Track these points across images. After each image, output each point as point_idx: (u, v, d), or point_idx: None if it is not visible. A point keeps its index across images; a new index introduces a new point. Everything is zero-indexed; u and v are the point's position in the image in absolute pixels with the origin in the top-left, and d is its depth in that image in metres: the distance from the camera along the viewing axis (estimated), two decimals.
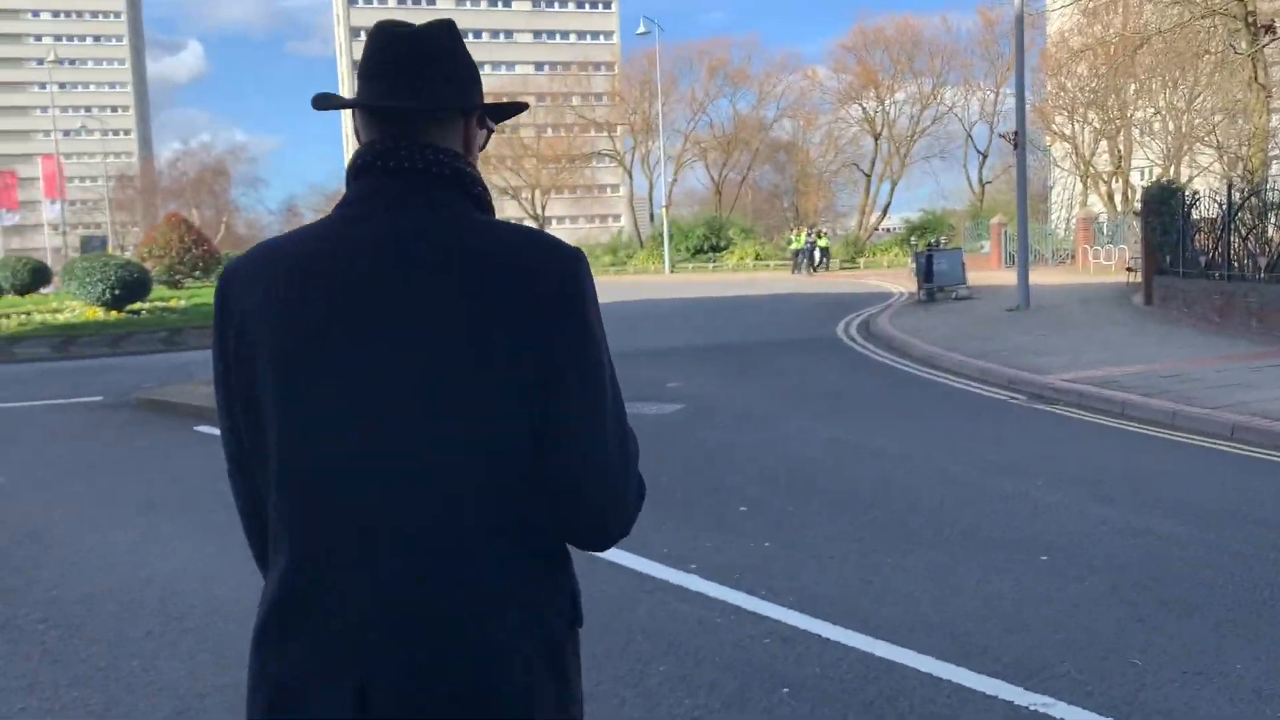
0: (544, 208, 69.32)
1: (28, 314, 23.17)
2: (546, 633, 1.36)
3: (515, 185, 67.93)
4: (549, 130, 70.32)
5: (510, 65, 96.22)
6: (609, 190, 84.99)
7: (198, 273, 30.16)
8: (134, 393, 11.89)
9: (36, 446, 9.32)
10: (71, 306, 23.59)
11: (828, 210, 67.30)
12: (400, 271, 1.31)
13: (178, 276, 29.67)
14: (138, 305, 23.28)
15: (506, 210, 75.02)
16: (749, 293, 30.91)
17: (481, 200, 1.43)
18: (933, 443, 8.06)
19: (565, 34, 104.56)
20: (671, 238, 55.23)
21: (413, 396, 1.30)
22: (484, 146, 1.51)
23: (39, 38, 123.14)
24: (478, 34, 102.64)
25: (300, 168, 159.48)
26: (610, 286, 40.45)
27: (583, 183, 80.00)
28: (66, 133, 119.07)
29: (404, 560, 1.30)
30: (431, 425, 1.30)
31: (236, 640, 4.07)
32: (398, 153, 1.38)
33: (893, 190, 63.77)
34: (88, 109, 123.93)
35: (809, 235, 41.98)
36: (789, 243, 44.47)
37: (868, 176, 63.42)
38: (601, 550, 1.44)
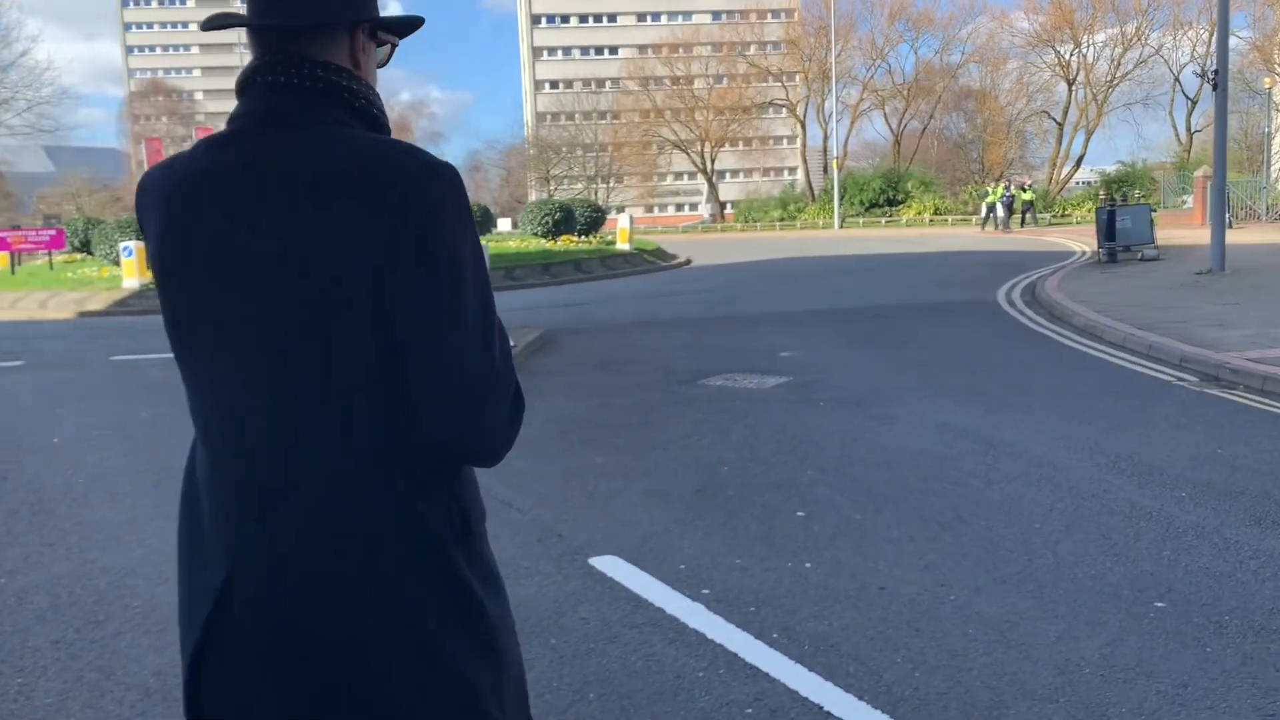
0: (714, 160, 68.04)
1: None
2: (431, 547, 1.38)
3: (685, 138, 66.91)
4: (723, 80, 68.71)
5: (687, 15, 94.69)
6: (784, 142, 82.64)
7: None
8: None
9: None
10: None
11: (1018, 162, 63.22)
12: (257, 195, 1.33)
13: None
14: None
15: (675, 162, 74.28)
16: (916, 250, 29.09)
17: (366, 113, 1.44)
18: (1064, 434, 6.80)
19: None
20: (845, 191, 53.22)
21: (276, 320, 1.33)
22: (385, 62, 1.55)
23: None
24: None
25: (488, 122, 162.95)
26: (771, 242, 39.27)
27: (755, 134, 78.16)
28: None
29: (287, 497, 1.35)
30: (294, 353, 1.33)
31: None
32: (274, 68, 1.40)
33: (1088, 140, 59.21)
34: None
35: (1007, 188, 38.85)
36: (984, 195, 41.58)
37: (1060, 125, 59.13)
38: (475, 464, 1.45)
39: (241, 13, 1.44)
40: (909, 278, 19.96)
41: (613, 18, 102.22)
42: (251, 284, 1.32)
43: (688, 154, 67.52)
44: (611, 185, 78.46)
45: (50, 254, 26.03)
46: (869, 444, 6.72)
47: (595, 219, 30.25)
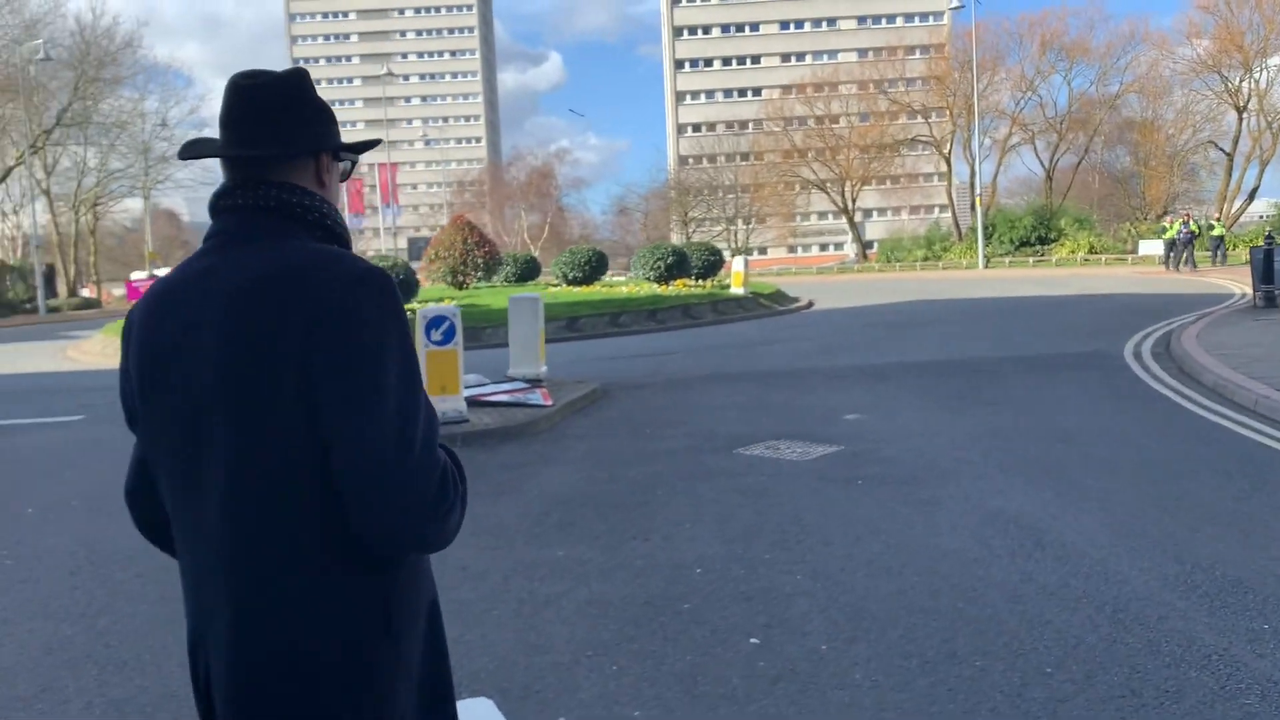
0: (855, 199, 66.33)
1: None
2: (351, 639, 1.49)
3: (826, 178, 65.53)
4: (866, 118, 67.12)
5: (832, 54, 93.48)
6: (931, 179, 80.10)
7: (479, 274, 30.78)
8: None
9: None
10: None
11: (1184, 196, 59.18)
12: (213, 305, 1.49)
13: (461, 278, 30.41)
14: (410, 305, 23.87)
15: (817, 202, 72.84)
16: (1057, 292, 27.08)
17: (320, 225, 1.60)
18: (1137, 529, 5.55)
19: (891, 18, 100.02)
20: (993, 229, 50.83)
21: (221, 422, 1.48)
22: (347, 176, 1.74)
23: (405, 55, 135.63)
24: (799, 24, 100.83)
25: (638, 167, 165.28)
26: (906, 284, 37.51)
27: (900, 172, 76.03)
28: (428, 142, 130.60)
29: (230, 578, 1.51)
30: (234, 448, 1.47)
31: None
32: (234, 192, 1.60)
33: (1261, 172, 54.88)
34: (444, 119, 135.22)
35: (1185, 223, 35.84)
36: (1162, 231, 38.64)
37: (1229, 156, 55.01)
38: (405, 552, 1.53)
39: (213, 140, 1.67)
40: (1034, 324, 18.31)
41: (756, 59, 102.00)
42: (200, 379, 1.49)
43: (828, 193, 66.05)
44: (751, 226, 77.67)
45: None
46: (890, 539, 5.61)
47: (712, 262, 29.42)
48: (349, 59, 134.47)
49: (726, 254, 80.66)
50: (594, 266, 29.14)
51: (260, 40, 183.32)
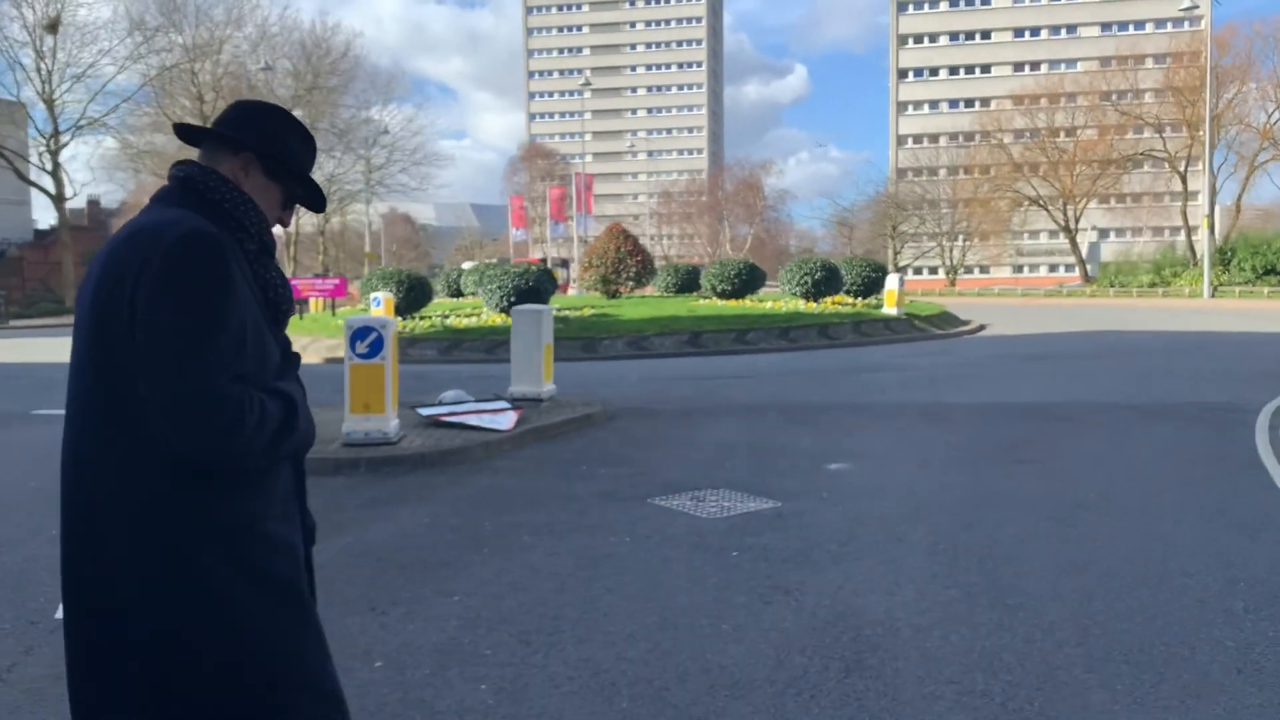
0: (1078, 218, 61.47)
1: (444, 316, 24.51)
2: (165, 531, 1.75)
3: (1047, 194, 61.11)
4: (1089, 132, 62.14)
5: (1071, 63, 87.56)
6: (1164, 199, 73.35)
7: (631, 281, 30.17)
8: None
9: None
10: (480, 311, 24.58)
11: None
12: (100, 255, 1.86)
13: (613, 286, 29.91)
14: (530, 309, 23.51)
15: (1034, 221, 68.10)
16: (1268, 328, 23.65)
17: (216, 206, 1.91)
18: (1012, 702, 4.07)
19: (1140, 23, 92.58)
20: (1233, 254, 45.80)
21: (80, 353, 1.83)
22: (286, 206, 2.08)
23: (633, 69, 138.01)
24: (1034, 31, 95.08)
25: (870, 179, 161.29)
26: (1109, 311, 34.04)
27: (1134, 190, 69.97)
28: (650, 154, 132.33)
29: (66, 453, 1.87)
30: (82, 379, 1.82)
31: None
32: (174, 168, 1.99)
33: None
34: (667, 131, 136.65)
35: None
36: None
37: None
38: (199, 466, 1.76)
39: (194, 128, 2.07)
40: (1197, 365, 15.75)
41: (986, 69, 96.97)
42: (80, 315, 1.85)
43: (1048, 211, 61.58)
44: (966, 243, 73.70)
45: (334, 301, 27.80)
46: (662, 644, 4.37)
47: (872, 279, 27.50)
48: (579, 71, 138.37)
49: (942, 272, 77.17)
50: (745, 280, 27.87)
51: (513, 54, 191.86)
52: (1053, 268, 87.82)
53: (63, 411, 1.91)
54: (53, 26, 41.46)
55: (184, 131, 2.03)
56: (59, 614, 1.84)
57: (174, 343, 1.72)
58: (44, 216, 58.59)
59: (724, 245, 78.69)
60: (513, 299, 22.71)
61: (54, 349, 21.98)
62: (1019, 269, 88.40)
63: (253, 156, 1.97)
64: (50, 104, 42.39)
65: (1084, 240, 67.67)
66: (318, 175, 40.34)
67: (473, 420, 8.99)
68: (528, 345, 10.60)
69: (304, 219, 58.85)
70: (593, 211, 57.03)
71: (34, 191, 44.48)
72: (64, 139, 42.73)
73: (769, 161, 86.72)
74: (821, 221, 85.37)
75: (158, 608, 1.75)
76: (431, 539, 6.05)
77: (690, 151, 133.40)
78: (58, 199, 42.48)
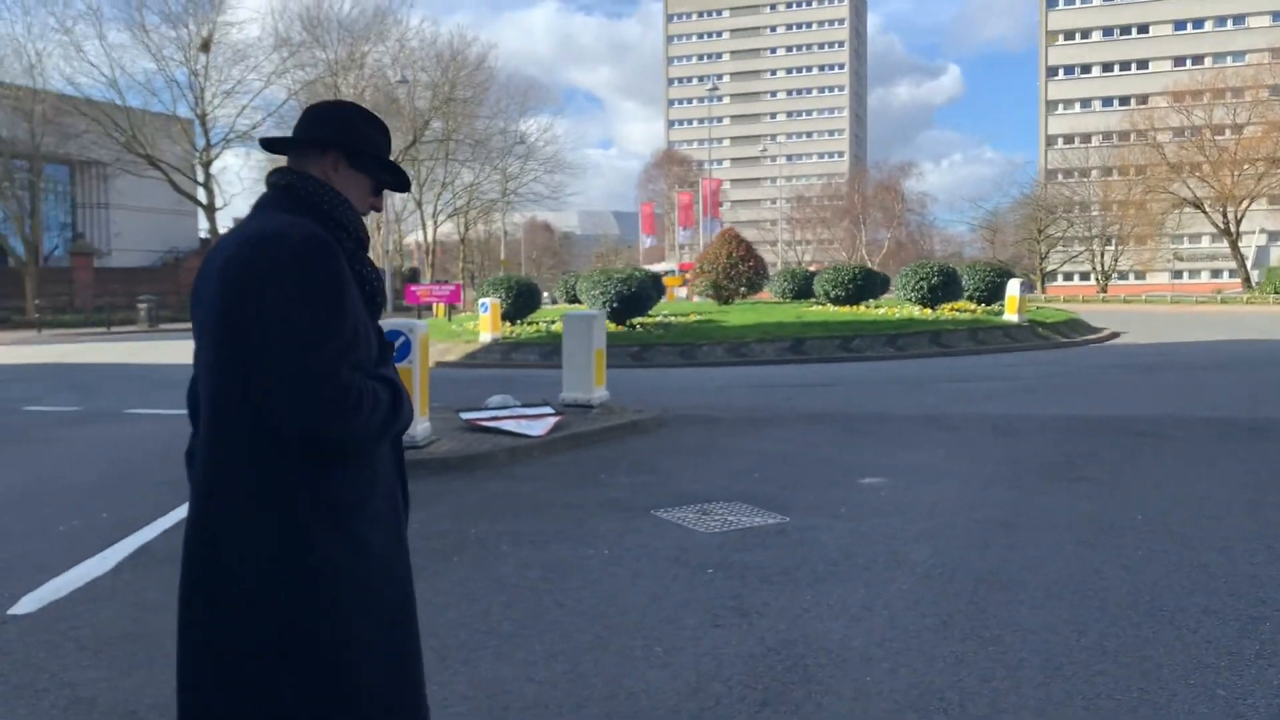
0: (1239, 221, 57.65)
1: (550, 323, 24.70)
2: (279, 505, 1.94)
3: (1203, 195, 57.57)
4: (1253, 129, 58.21)
5: (1239, 55, 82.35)
6: None
7: (744, 287, 29.77)
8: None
9: None
10: None
11: None
12: (216, 260, 2.04)
13: (725, 292, 29.59)
14: (637, 320, 23.47)
15: (1190, 224, 64.22)
16: None
17: (316, 209, 2.08)
18: None
19: None
20: None
21: (208, 349, 2.01)
22: (375, 193, 2.24)
23: (774, 73, 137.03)
24: (1198, 23, 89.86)
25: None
26: (1255, 319, 31.65)
27: None
28: (789, 158, 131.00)
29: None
30: (212, 375, 1.99)
31: None
32: (272, 175, 2.18)
33: None
34: (806, 134, 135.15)
35: None
36: None
37: None
38: (315, 439, 1.94)
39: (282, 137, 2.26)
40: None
41: (1143, 64, 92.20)
42: (202, 314, 2.03)
43: (1205, 213, 58.01)
44: (1117, 247, 70.26)
45: (452, 307, 28.38)
46: (562, 669, 4.16)
47: (997, 285, 26.31)
48: (720, 77, 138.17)
49: (1094, 278, 73.43)
50: (860, 285, 27.14)
51: (657, 62, 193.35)
52: (1215, 273, 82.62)
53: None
54: (205, 46, 43.84)
55: (269, 142, 2.23)
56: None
57: (300, 337, 1.89)
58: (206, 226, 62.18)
59: (860, 250, 77.10)
60: (615, 305, 22.71)
61: (179, 351, 23.10)
62: (1178, 274, 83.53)
63: (338, 153, 2.12)
64: (203, 119, 44.77)
65: (1250, 244, 63.53)
66: (458, 185, 41.46)
67: (508, 425, 8.93)
68: (578, 351, 10.48)
69: (443, 230, 60.55)
70: (720, 216, 56.68)
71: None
72: (214, 151, 45.07)
73: (909, 164, 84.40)
74: (969, 226, 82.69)
75: (268, 576, 1.93)
76: (412, 544, 5.96)
77: (830, 155, 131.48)
78: (209, 209, 44.80)
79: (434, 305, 30.08)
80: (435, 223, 61.28)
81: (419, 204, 60.68)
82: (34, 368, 21.21)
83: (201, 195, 44.82)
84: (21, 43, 42.68)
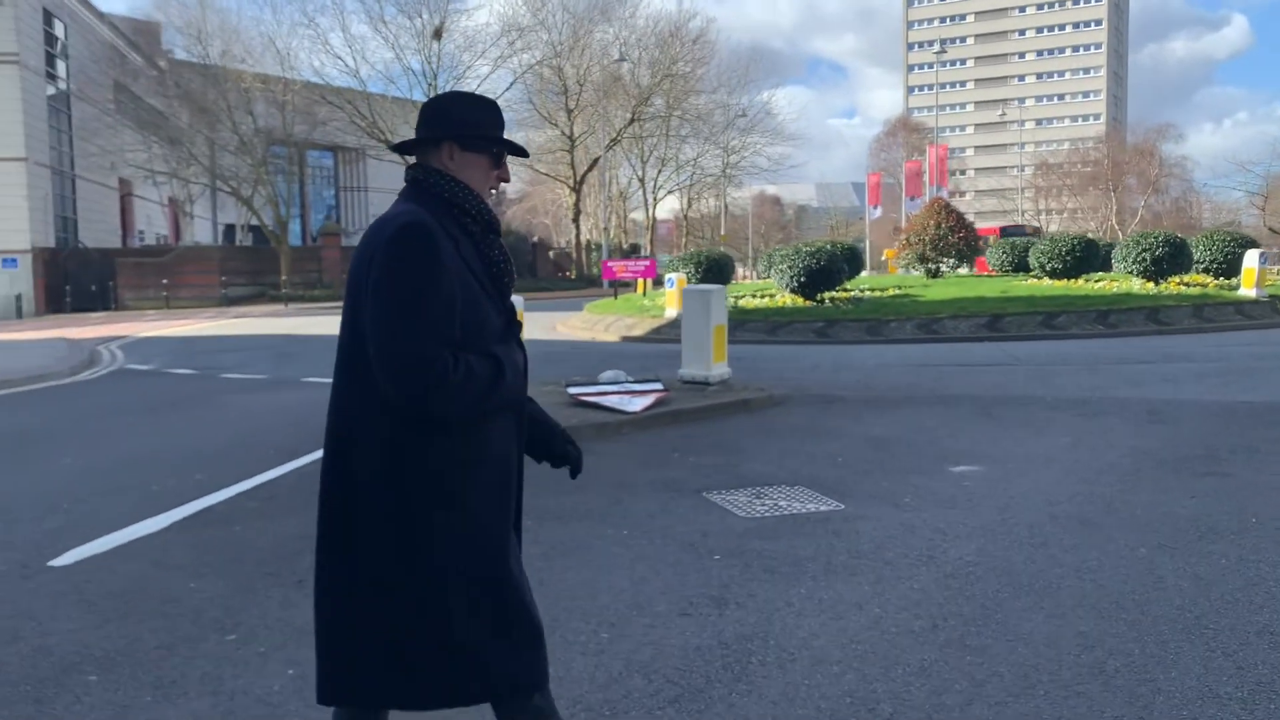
0: None
1: (738, 297, 24.42)
2: (391, 464, 2.17)
3: None
4: None
5: None
6: None
7: (953, 259, 28.26)
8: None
9: None
10: (771, 292, 24.23)
11: None
12: (362, 242, 2.28)
13: (933, 264, 28.23)
14: (827, 294, 22.81)
15: None
16: None
17: (438, 198, 2.28)
18: None
19: None
20: None
21: (344, 322, 2.26)
22: (497, 165, 2.40)
23: (1022, 32, 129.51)
24: None
25: None
26: None
27: None
28: (1039, 122, 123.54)
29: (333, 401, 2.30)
30: (342, 343, 2.26)
31: None
32: (407, 170, 2.39)
33: None
34: (1058, 97, 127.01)
35: None
36: None
37: None
38: (412, 410, 2.13)
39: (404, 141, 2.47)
40: None
41: None
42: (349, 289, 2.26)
43: None
44: None
45: (647, 281, 28.60)
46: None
47: (1235, 256, 23.66)
48: (963, 40, 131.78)
49: None
50: (1079, 258, 25.13)
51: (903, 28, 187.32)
52: None
53: (326, 379, 2.20)
54: (438, 34, 46.12)
55: (398, 147, 2.51)
56: None
57: (389, 313, 2.09)
58: None
59: (1110, 221, 71.71)
60: (802, 279, 22.17)
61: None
62: None
63: (450, 143, 2.32)
64: None
65: None
66: (679, 160, 41.53)
67: (608, 401, 8.87)
68: (696, 327, 10.24)
69: (676, 208, 61.12)
70: (947, 185, 54.17)
71: None
72: None
73: (1166, 125, 77.27)
74: (1244, 193, 74.87)
75: (380, 526, 2.17)
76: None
77: (1084, 118, 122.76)
78: None
79: (638, 281, 30.41)
80: (655, 199, 61.90)
81: (641, 181, 61.56)
82: (261, 338, 23.07)
83: None
84: (272, 37, 46.37)
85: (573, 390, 9.35)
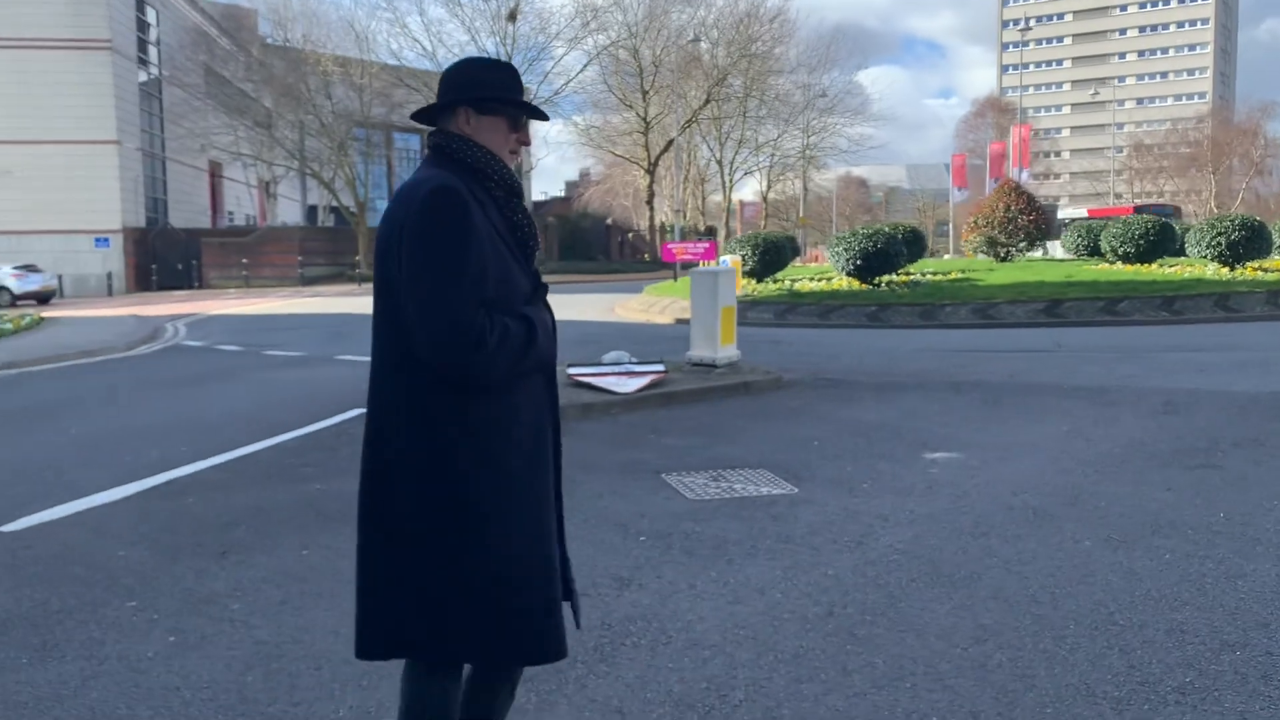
0: None
1: (794, 280, 24.13)
2: (429, 428, 2.19)
3: None
4: None
5: None
6: None
7: (1023, 243, 27.48)
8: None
9: None
10: (828, 275, 23.88)
11: None
12: (388, 209, 2.29)
13: (1002, 248, 27.50)
14: (886, 278, 22.41)
15: None
16: None
17: (461, 163, 2.28)
18: None
19: None
20: None
21: (377, 291, 2.26)
22: (515, 128, 2.38)
23: (1123, 8, 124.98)
24: None
25: None
26: None
27: None
28: (1139, 101, 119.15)
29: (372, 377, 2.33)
30: (376, 312, 2.25)
31: None
32: (428, 137, 2.39)
33: None
34: (1160, 75, 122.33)
35: None
36: None
37: None
38: (451, 373, 2.14)
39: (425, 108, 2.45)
40: None
41: None
42: (377, 254, 2.25)
43: None
44: None
45: (700, 264, 28.38)
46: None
47: None
48: (1061, 16, 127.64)
49: None
50: (1153, 242, 24.22)
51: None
52: None
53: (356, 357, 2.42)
54: (513, 16, 46.40)
55: (417, 115, 2.49)
56: None
57: (426, 278, 2.11)
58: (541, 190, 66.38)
59: (1209, 204, 68.90)
60: (858, 263, 21.84)
61: None
62: None
63: (466, 107, 2.32)
64: None
65: None
66: (758, 141, 40.82)
67: (604, 382, 8.84)
68: (703, 309, 10.12)
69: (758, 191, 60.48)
70: (1030, 166, 52.61)
71: (534, 171, 49.78)
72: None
73: (1272, 103, 73.68)
74: None
75: (419, 487, 2.20)
76: (339, 497, 6.10)
77: (1188, 97, 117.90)
78: (519, 171, 47.61)
79: (698, 263, 30.20)
80: (731, 181, 61.42)
81: (719, 163, 61.15)
82: (321, 318, 23.56)
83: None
84: (351, 20, 47.17)
85: (572, 371, 9.35)
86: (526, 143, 2.43)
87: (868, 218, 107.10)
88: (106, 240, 43.03)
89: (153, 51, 47.33)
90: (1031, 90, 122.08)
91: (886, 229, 23.03)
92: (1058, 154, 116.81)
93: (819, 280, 23.44)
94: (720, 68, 53.81)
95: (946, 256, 57.48)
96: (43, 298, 34.45)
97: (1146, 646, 3.74)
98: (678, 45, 52.04)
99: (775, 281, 24.15)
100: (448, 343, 2.11)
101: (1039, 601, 4.20)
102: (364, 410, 2.35)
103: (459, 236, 2.15)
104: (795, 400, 9.23)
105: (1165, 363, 11.64)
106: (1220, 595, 4.22)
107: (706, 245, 28.68)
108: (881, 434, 7.63)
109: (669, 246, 28.54)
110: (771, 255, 24.39)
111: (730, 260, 22.95)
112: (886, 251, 21.87)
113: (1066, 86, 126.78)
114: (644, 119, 52.60)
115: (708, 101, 52.25)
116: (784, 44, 56.34)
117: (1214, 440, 7.21)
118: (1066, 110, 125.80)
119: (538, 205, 65.72)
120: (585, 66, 49.63)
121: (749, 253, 24.08)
